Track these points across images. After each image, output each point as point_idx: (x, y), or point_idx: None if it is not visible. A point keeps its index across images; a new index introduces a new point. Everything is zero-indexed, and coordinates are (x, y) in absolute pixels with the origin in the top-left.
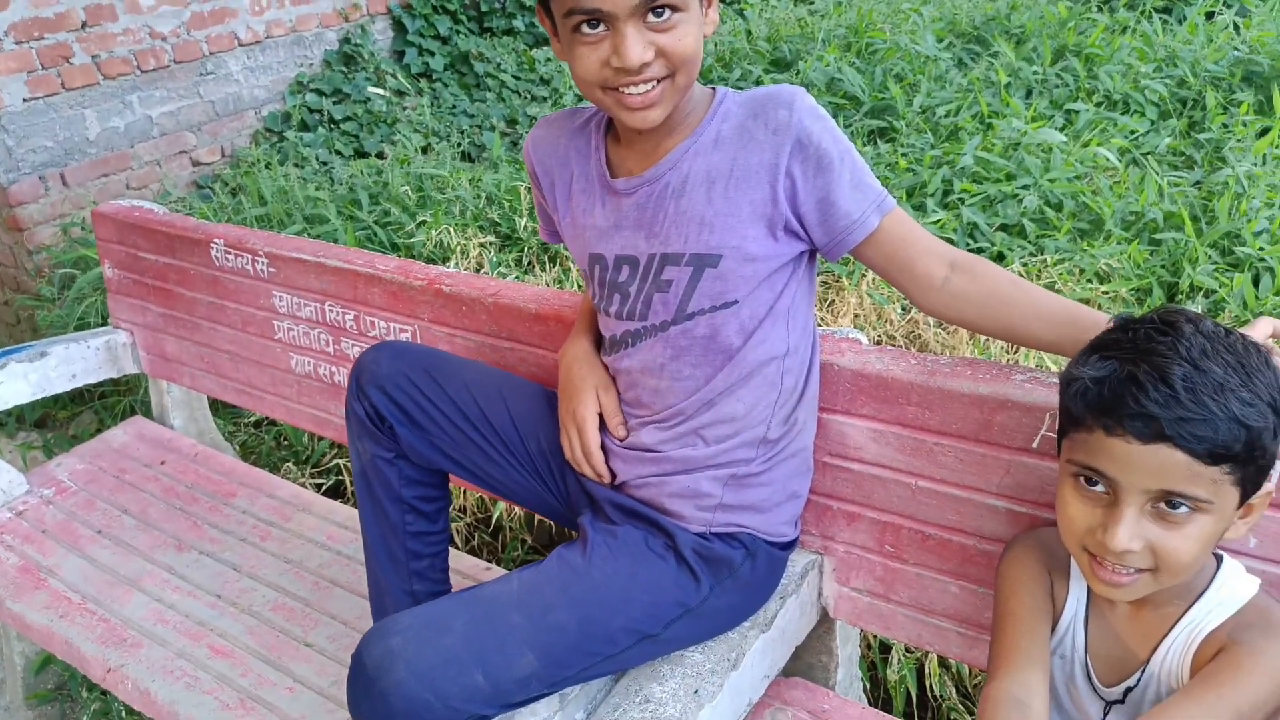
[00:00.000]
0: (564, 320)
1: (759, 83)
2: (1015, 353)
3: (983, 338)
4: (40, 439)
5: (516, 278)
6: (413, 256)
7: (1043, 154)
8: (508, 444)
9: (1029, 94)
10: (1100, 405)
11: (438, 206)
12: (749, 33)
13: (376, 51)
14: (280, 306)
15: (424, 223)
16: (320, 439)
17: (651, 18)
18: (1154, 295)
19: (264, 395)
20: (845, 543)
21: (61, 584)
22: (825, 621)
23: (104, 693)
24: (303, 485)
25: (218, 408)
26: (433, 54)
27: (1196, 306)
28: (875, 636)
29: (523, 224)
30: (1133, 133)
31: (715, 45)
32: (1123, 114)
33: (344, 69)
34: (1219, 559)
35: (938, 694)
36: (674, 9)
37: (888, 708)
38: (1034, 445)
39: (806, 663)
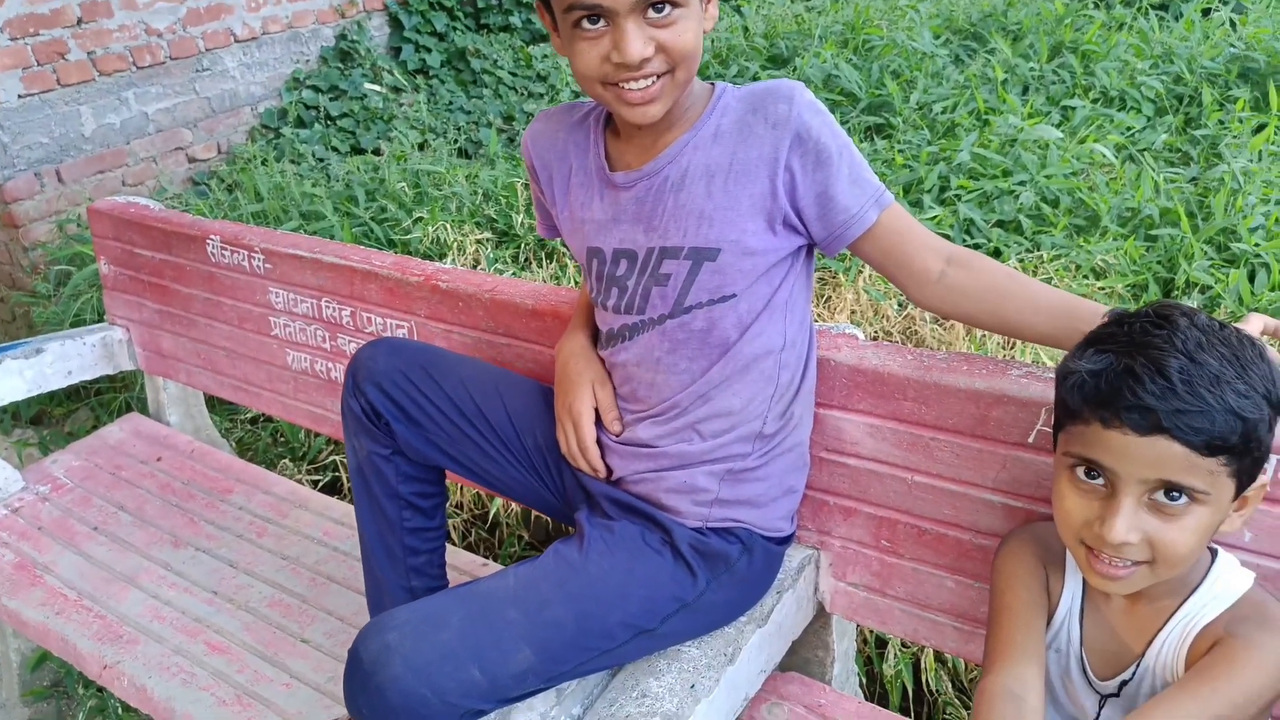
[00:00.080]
0: (561, 316)
1: (756, 79)
2: (1011, 348)
3: (979, 333)
4: (36, 436)
5: (513, 274)
6: (409, 253)
7: (1039, 150)
8: (504, 440)
9: (1026, 90)
10: (1097, 398)
11: (434, 203)
12: (746, 29)
13: (373, 48)
14: (276, 303)
15: (421, 219)
16: (317, 435)
17: (652, 13)
18: (1150, 291)
19: (260, 391)
20: (842, 538)
21: (57, 580)
22: (822, 616)
23: (100, 689)
24: (299, 481)
25: (214, 404)
26: (429, 50)
27: (1192, 302)
28: (871, 631)
29: (519, 220)
30: (1129, 129)
31: (712, 42)
32: (1119, 110)
33: (340, 65)
34: (1213, 553)
35: (934, 689)
36: (674, 4)
37: (884, 702)
38: (1030, 440)
39: (803, 657)
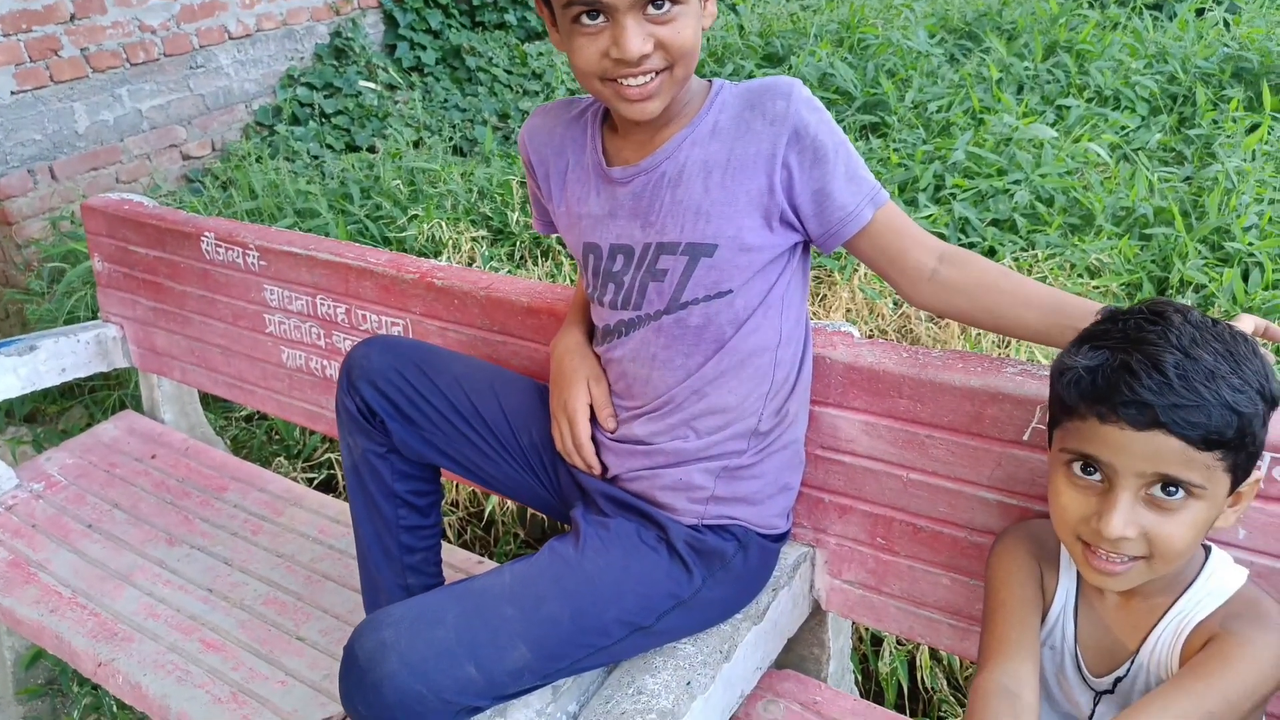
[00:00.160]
0: (556, 314)
1: (751, 77)
2: (1006, 346)
3: (974, 331)
4: (30, 433)
5: (509, 272)
6: (404, 251)
7: (1034, 149)
8: (499, 438)
9: (1020, 90)
10: (1094, 393)
11: (429, 201)
12: (741, 28)
13: (367, 45)
14: (271, 300)
15: (415, 217)
16: (312, 433)
17: (651, 10)
18: (1144, 290)
19: (255, 389)
20: (837, 535)
21: (52, 578)
22: (817, 614)
23: (95, 687)
24: (294, 479)
25: (209, 402)
26: (424, 48)
27: (1187, 301)
28: (867, 629)
29: (515, 218)
30: (1123, 128)
31: (708, 40)
32: (1114, 110)
33: (335, 63)
34: (1207, 550)
35: (929, 686)
36: (674, 1)
37: (879, 700)
38: (1025, 438)
39: (799, 655)
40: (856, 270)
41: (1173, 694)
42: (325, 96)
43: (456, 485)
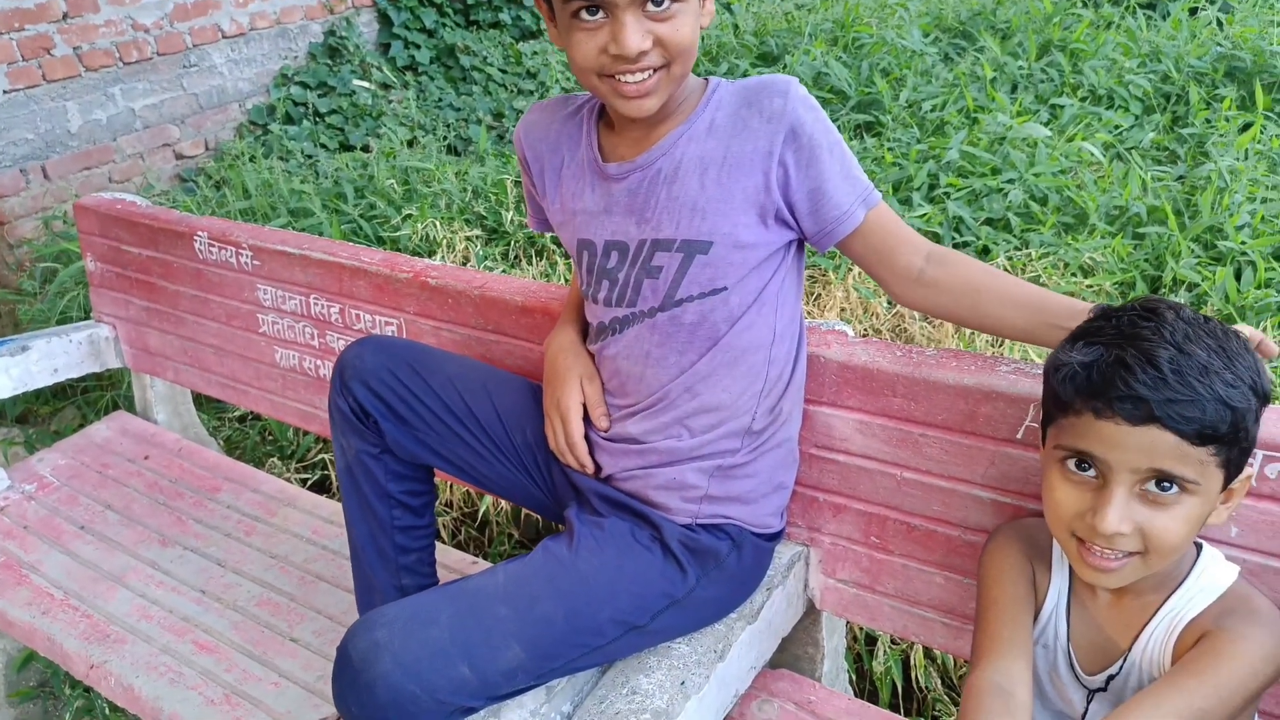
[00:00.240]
0: (550, 313)
1: (746, 77)
2: (1000, 345)
3: (968, 331)
4: (22, 434)
5: (503, 271)
6: (399, 250)
7: (1028, 148)
8: (493, 438)
9: (1014, 89)
10: (1089, 389)
11: (424, 200)
12: (736, 27)
13: (361, 44)
14: (265, 300)
15: (410, 216)
16: (305, 433)
17: (650, 7)
18: (1137, 289)
19: (248, 389)
20: (831, 534)
21: (44, 580)
22: (812, 613)
23: (87, 690)
24: (288, 480)
25: (202, 402)
26: (418, 47)
27: (1180, 299)
28: (861, 628)
29: (509, 217)
30: (1117, 127)
31: (703, 39)
32: (1107, 109)
33: (329, 62)
34: (1198, 547)
35: (923, 685)
36: None
37: (874, 699)
38: (1018, 436)
39: (793, 654)
40: (851, 270)
41: (1165, 691)
42: (319, 95)
43: (451, 485)
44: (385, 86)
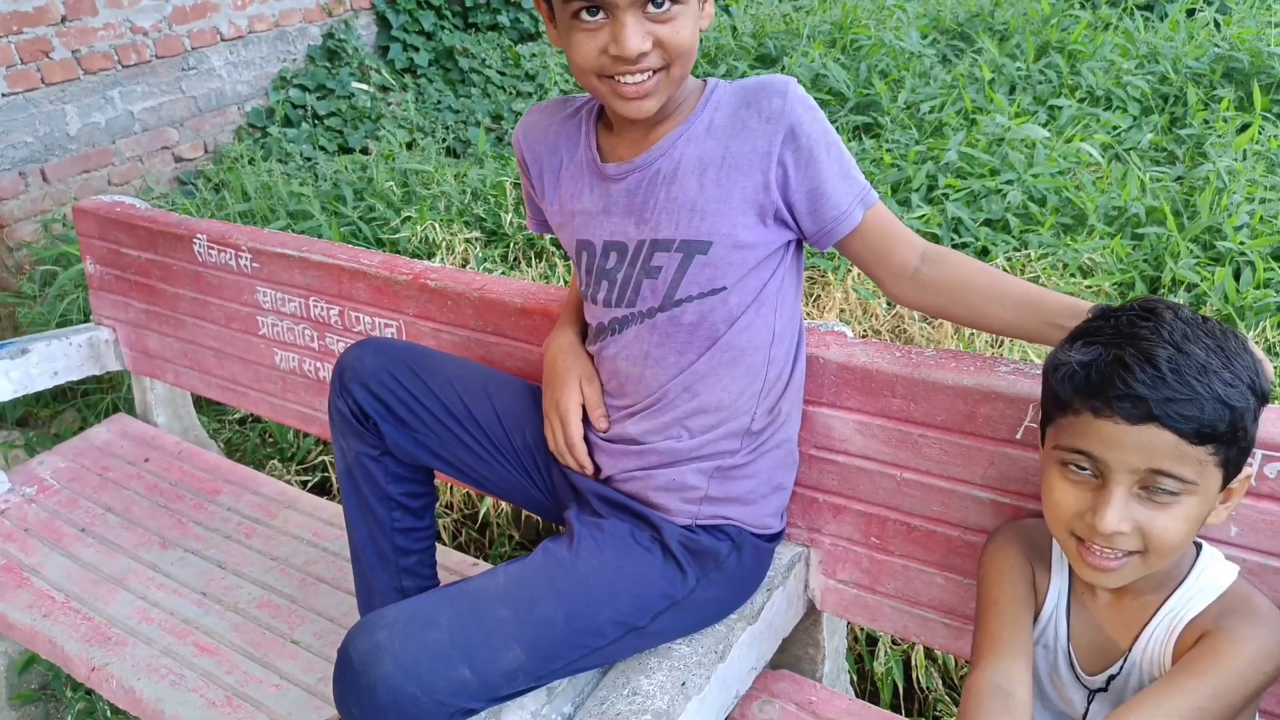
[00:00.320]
0: (550, 314)
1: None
2: (1000, 346)
3: (968, 331)
4: (22, 437)
5: (502, 273)
6: (398, 252)
7: (1026, 149)
8: (493, 440)
9: (1012, 90)
10: (1088, 388)
11: (423, 202)
12: (734, 29)
13: (360, 47)
14: (264, 302)
15: (409, 218)
16: (305, 435)
17: (651, 8)
18: (1136, 289)
19: (248, 392)
20: (831, 535)
21: (45, 583)
22: (812, 614)
23: (89, 692)
24: (288, 482)
25: (202, 404)
26: (417, 49)
27: (1179, 300)
28: (862, 629)
29: (508, 220)
30: (1115, 128)
31: (701, 41)
32: (1105, 110)
33: (328, 64)
34: (1198, 547)
35: (924, 686)
36: (673, 1)
37: (875, 700)
38: (1017, 436)
39: (794, 655)
40: (850, 271)
41: (1166, 691)
42: (318, 98)
43: (451, 487)
44: (384, 89)
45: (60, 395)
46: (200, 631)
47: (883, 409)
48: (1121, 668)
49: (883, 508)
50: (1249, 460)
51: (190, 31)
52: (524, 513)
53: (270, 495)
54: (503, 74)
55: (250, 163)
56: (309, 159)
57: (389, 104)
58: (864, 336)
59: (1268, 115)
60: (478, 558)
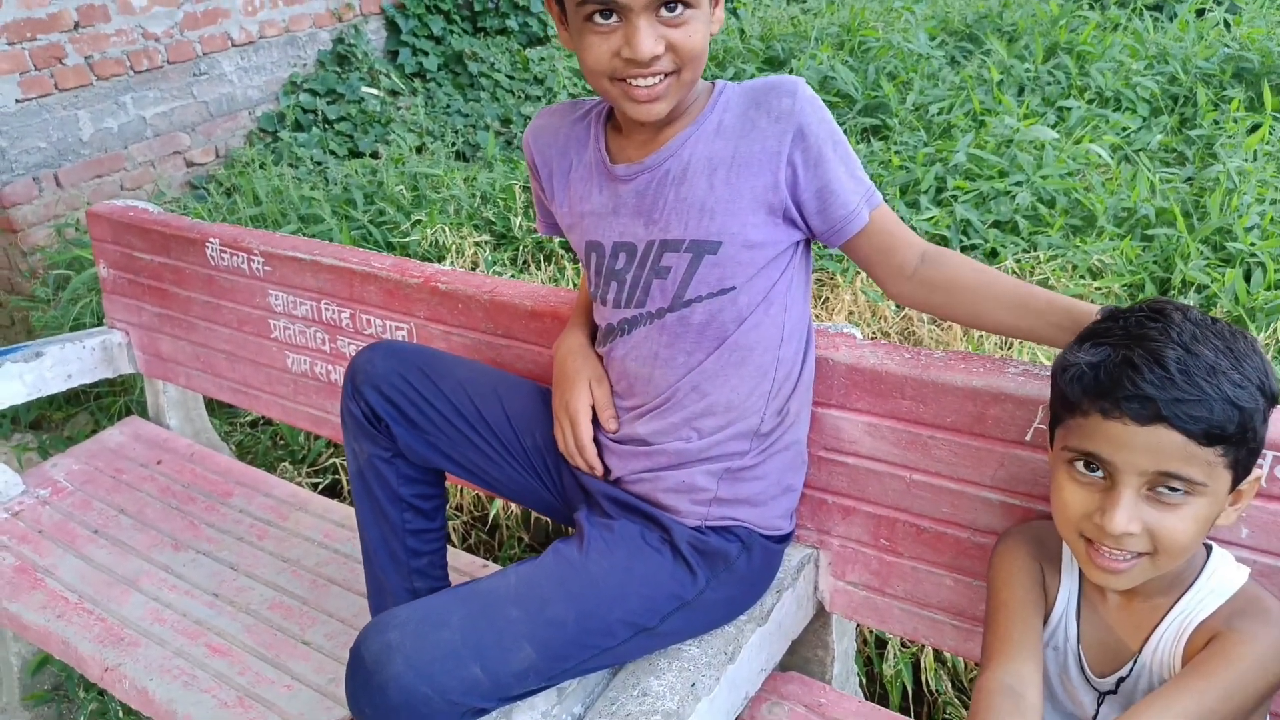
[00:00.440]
0: (560, 317)
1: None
2: (1009, 347)
3: (976, 333)
4: (36, 440)
5: (512, 276)
6: (408, 256)
7: (1035, 151)
8: (504, 441)
9: (1021, 91)
10: (1097, 389)
11: (433, 206)
12: (742, 31)
13: (370, 51)
14: (276, 305)
15: (419, 222)
16: (317, 438)
17: (664, 12)
18: (1146, 290)
19: (260, 394)
20: (841, 536)
21: (58, 584)
22: (821, 615)
23: (101, 692)
24: (299, 484)
25: (214, 407)
26: (426, 54)
27: (1189, 301)
28: (871, 631)
29: (518, 223)
30: (1125, 129)
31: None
32: (1114, 111)
33: (338, 69)
34: (1208, 549)
35: (934, 688)
36: (686, 5)
37: (884, 702)
38: (1027, 438)
39: (803, 657)
40: (859, 273)
41: (1176, 693)
42: (328, 103)
43: (461, 489)
44: (394, 93)
45: (73, 398)
46: (212, 632)
47: (892, 410)
48: (1131, 670)
49: (892, 509)
50: (1259, 462)
51: (201, 37)
52: (533, 515)
53: (282, 497)
54: (511, 78)
55: (261, 167)
56: (319, 163)
57: (399, 108)
58: (873, 338)
59: (1278, 116)
60: (488, 559)
